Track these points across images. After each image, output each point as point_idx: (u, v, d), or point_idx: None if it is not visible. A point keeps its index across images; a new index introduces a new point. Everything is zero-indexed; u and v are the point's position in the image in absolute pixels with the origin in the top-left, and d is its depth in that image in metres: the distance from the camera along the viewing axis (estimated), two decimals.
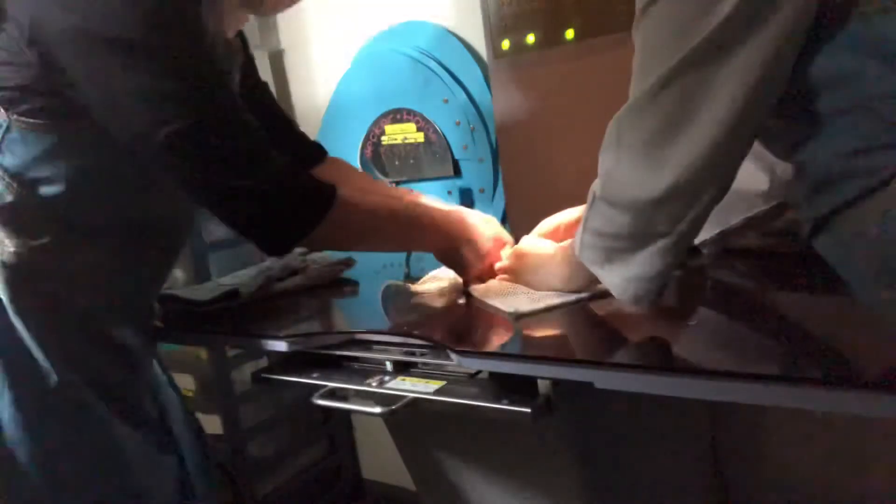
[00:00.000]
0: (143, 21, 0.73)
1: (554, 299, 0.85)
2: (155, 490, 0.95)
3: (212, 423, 1.64)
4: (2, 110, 0.79)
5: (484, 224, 1.00)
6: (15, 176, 0.81)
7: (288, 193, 0.83)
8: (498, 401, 0.72)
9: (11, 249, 0.82)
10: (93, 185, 0.84)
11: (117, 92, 0.75)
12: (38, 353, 0.85)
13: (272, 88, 1.50)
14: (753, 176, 0.85)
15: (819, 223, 0.57)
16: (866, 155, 0.52)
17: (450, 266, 1.00)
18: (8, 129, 0.80)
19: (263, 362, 1.12)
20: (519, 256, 0.93)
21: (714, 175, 0.60)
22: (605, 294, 0.82)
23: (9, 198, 0.81)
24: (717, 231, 0.87)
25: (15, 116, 0.79)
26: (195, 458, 1.04)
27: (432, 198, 1.13)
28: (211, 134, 0.77)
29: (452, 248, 0.96)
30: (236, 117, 0.80)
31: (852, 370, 0.59)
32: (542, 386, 0.71)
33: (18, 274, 0.83)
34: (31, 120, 0.79)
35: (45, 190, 0.82)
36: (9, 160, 0.81)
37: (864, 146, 0.52)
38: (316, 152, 1.15)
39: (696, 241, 0.87)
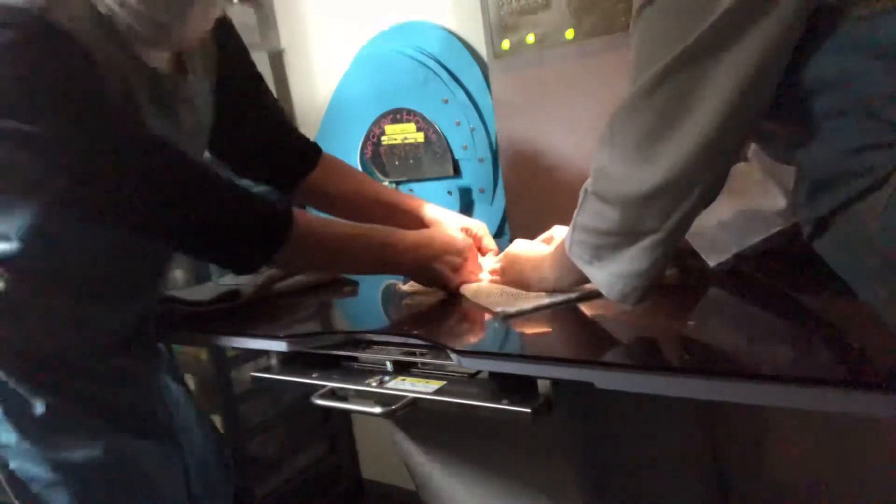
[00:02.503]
0: (33, 109, 0.72)
1: (543, 300, 0.85)
2: (170, 495, 0.95)
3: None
4: None
5: (456, 239, 1.01)
6: None
7: (240, 225, 0.84)
8: (498, 401, 0.72)
9: None
10: (46, 235, 0.82)
11: (34, 180, 0.76)
12: (22, 391, 0.84)
13: (272, 88, 1.49)
14: (770, 195, 0.84)
15: (819, 224, 0.57)
16: (866, 154, 0.52)
17: (428, 285, 1.00)
18: None
19: (263, 362, 1.12)
20: (510, 258, 0.94)
21: (704, 172, 0.60)
22: (594, 295, 0.82)
23: None
24: (734, 252, 0.87)
25: None
26: (214, 456, 1.04)
27: (432, 205, 1.14)
28: (143, 188, 0.78)
29: (425, 267, 0.96)
30: (166, 164, 0.80)
31: (853, 370, 0.59)
32: (542, 386, 0.71)
33: None
34: None
35: (2, 242, 0.81)
36: None
37: (863, 145, 0.52)
38: (311, 152, 1.15)
39: (714, 264, 0.87)
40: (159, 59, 0.87)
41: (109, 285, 0.91)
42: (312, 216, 0.91)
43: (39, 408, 0.84)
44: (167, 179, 0.80)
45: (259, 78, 1.09)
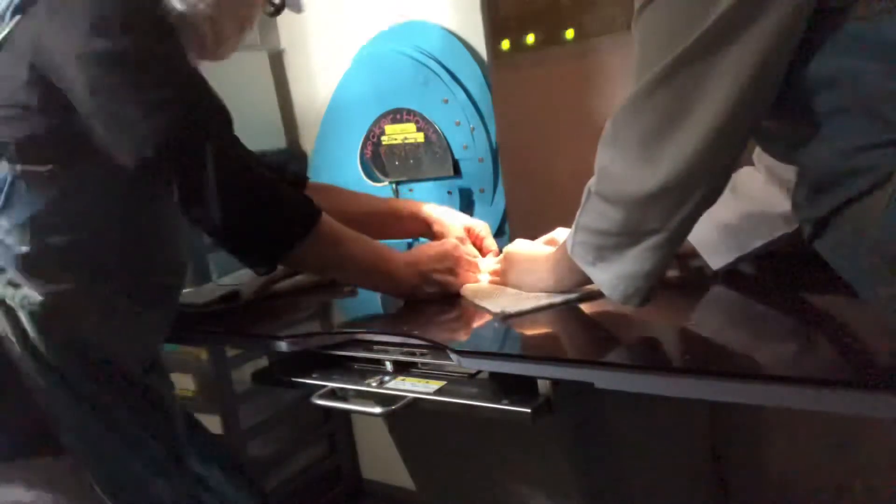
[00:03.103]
0: (130, 33, 0.77)
1: (543, 300, 0.85)
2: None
3: (212, 423, 1.63)
4: (6, 164, 0.80)
5: (443, 244, 1.01)
6: (26, 227, 0.81)
7: (274, 203, 0.84)
8: (498, 401, 0.72)
9: (39, 299, 0.82)
10: (106, 226, 0.85)
11: (116, 104, 0.78)
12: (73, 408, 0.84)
13: (272, 88, 1.50)
14: (773, 198, 0.84)
15: (820, 223, 0.57)
16: (866, 153, 0.52)
17: (432, 296, 0.98)
18: (14, 182, 0.81)
19: (263, 362, 1.12)
20: (510, 259, 0.94)
21: (707, 172, 0.60)
22: (594, 295, 0.82)
23: (23, 249, 0.81)
24: (737, 256, 0.86)
25: (20, 168, 0.80)
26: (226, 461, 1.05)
27: (432, 205, 1.14)
28: (202, 136, 0.79)
29: (424, 278, 0.96)
30: (224, 119, 0.83)
31: (853, 370, 0.59)
32: (542, 386, 0.71)
33: (49, 322, 0.82)
34: (38, 168, 0.80)
35: (60, 237, 0.82)
36: (18, 212, 0.81)
37: (864, 144, 0.52)
38: (299, 174, 1.15)
39: (716, 267, 0.87)
40: None
41: (159, 275, 0.93)
42: (330, 217, 0.91)
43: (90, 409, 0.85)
44: (221, 134, 0.82)
45: None
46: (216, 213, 0.82)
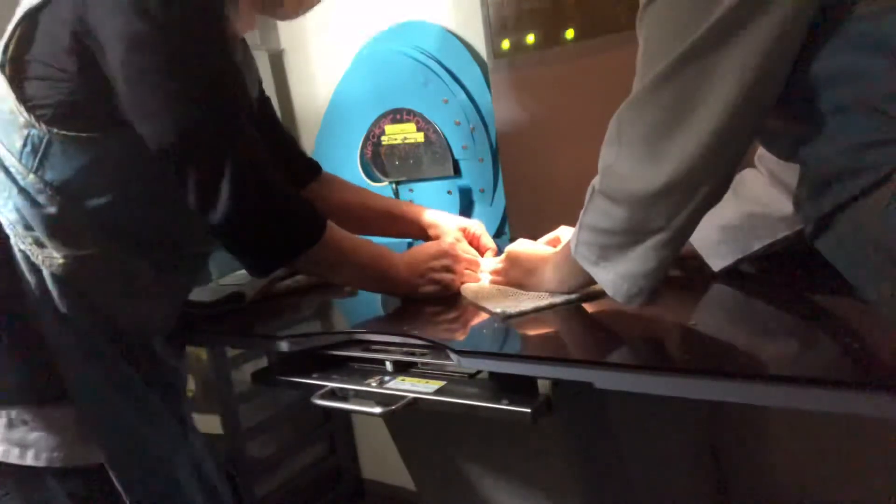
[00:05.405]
0: (170, 17, 0.76)
1: (543, 300, 0.85)
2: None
3: (212, 423, 1.64)
4: (42, 124, 0.80)
5: (439, 243, 1.02)
6: (58, 188, 0.82)
7: (285, 212, 0.85)
8: (498, 401, 0.72)
9: (60, 261, 0.83)
10: (136, 194, 0.85)
11: (143, 90, 0.77)
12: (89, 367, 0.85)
13: (272, 88, 1.50)
14: (776, 200, 0.84)
15: (821, 222, 0.57)
16: (869, 151, 0.52)
17: (431, 293, 0.98)
18: (49, 142, 0.80)
19: (263, 362, 1.12)
20: (512, 258, 0.94)
21: (711, 170, 0.60)
22: (595, 295, 0.82)
23: (52, 209, 0.82)
24: (739, 258, 0.86)
25: (55, 130, 0.80)
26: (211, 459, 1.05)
27: (430, 210, 1.15)
28: (220, 140, 0.80)
29: (422, 276, 0.97)
30: (247, 128, 0.83)
31: (853, 370, 0.59)
32: (542, 386, 0.71)
33: (70, 285, 0.84)
34: (72, 133, 0.80)
35: (90, 201, 0.83)
36: (51, 173, 0.81)
37: (866, 143, 0.52)
38: (310, 169, 1.17)
39: (717, 268, 0.87)
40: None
41: (185, 250, 0.94)
42: (334, 225, 0.92)
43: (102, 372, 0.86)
44: (240, 139, 0.81)
45: (268, 98, 1.14)
46: (226, 213, 0.82)
